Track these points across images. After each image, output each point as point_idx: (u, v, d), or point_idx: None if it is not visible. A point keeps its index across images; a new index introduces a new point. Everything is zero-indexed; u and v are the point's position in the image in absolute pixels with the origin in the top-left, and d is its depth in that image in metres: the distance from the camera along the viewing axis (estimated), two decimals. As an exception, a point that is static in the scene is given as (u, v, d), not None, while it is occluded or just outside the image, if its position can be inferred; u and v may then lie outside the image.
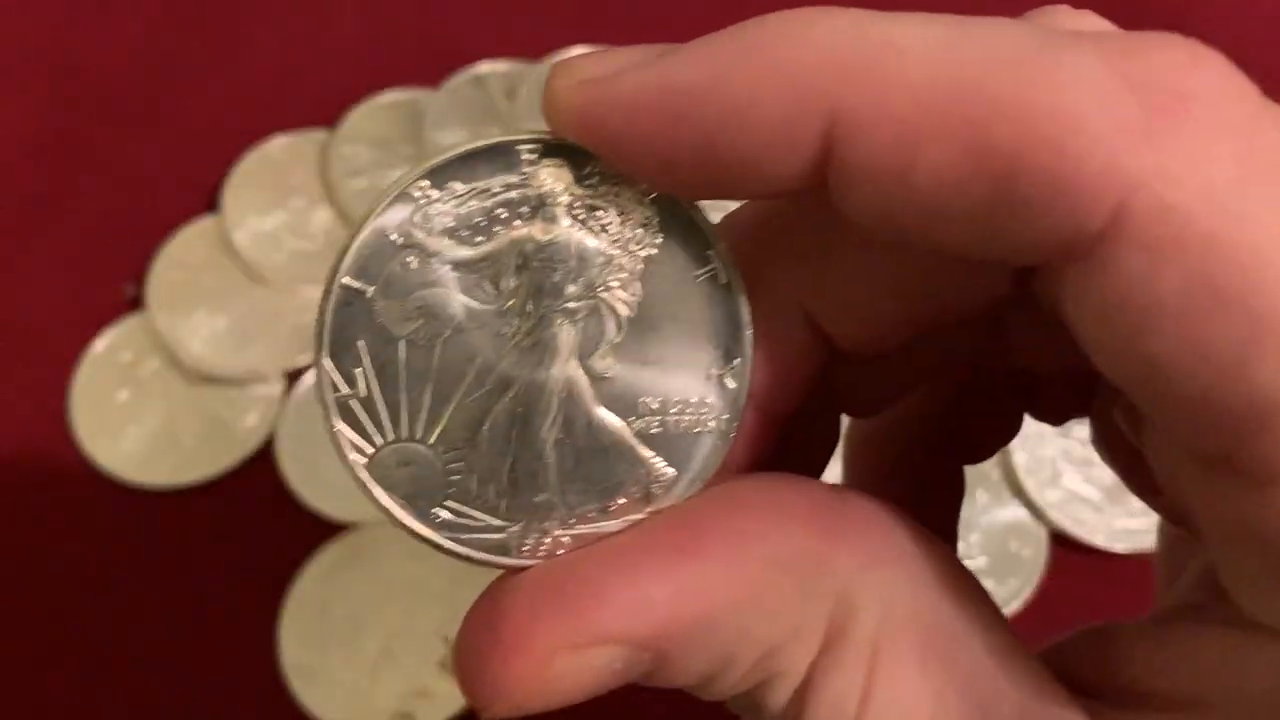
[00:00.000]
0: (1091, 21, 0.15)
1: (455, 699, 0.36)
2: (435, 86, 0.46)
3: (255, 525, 0.39)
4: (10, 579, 0.38)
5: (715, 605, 0.14)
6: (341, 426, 0.15)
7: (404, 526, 0.15)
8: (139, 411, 0.41)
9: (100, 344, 0.42)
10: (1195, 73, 0.13)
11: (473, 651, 0.14)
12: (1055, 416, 0.23)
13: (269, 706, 0.36)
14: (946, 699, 0.14)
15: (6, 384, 0.41)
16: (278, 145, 0.45)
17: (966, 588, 0.15)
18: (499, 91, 0.46)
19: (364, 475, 0.15)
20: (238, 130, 0.46)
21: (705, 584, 0.14)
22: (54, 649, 0.37)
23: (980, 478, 0.39)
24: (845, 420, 0.22)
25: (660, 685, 0.15)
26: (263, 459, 0.40)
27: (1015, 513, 0.39)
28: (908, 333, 0.17)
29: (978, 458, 0.24)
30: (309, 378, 0.41)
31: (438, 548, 0.15)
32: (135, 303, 0.43)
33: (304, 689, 0.36)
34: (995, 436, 0.24)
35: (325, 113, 0.46)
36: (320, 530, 0.38)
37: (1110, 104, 0.13)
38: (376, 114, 0.46)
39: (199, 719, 0.36)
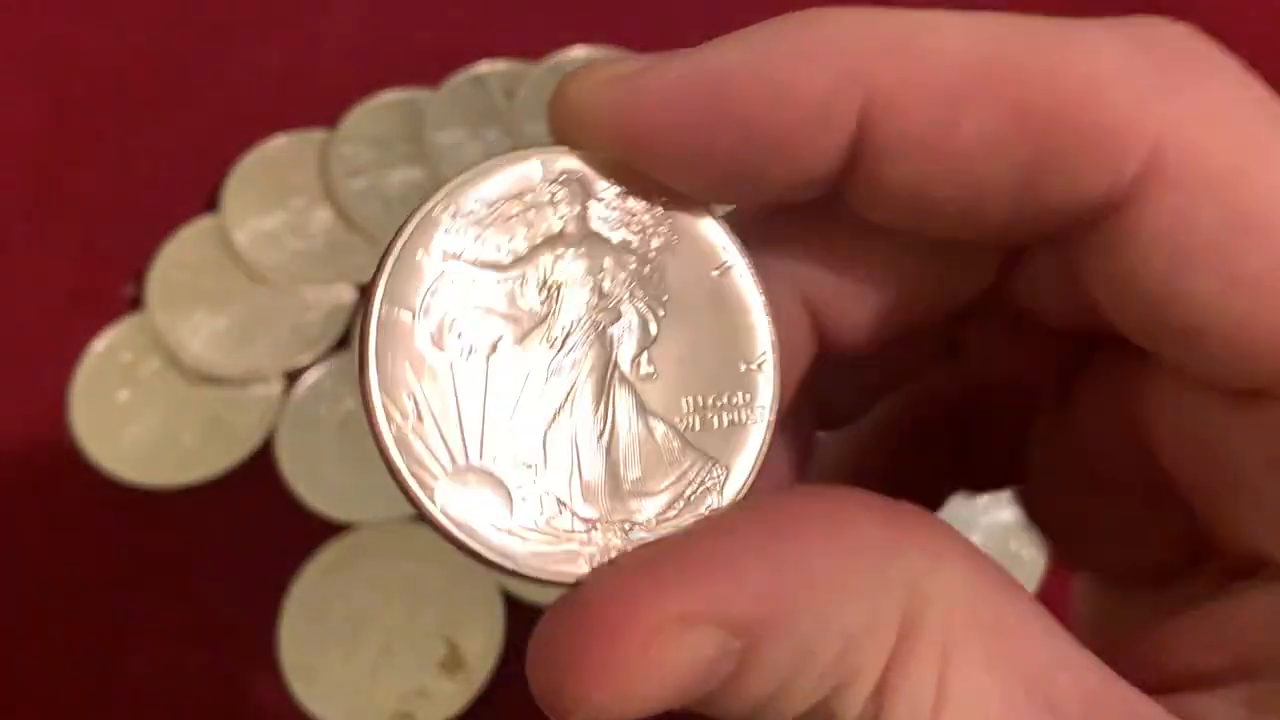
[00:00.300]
0: None
1: (455, 699, 0.36)
2: (435, 86, 0.46)
3: (255, 525, 0.39)
4: (10, 579, 0.38)
5: (810, 586, 0.14)
6: (401, 460, 0.14)
7: (480, 557, 0.15)
8: (139, 411, 0.41)
9: (100, 344, 0.42)
10: (1196, 39, 0.14)
11: (560, 643, 0.13)
12: (985, 484, 0.24)
13: (269, 706, 0.36)
14: (1014, 696, 0.14)
15: (6, 384, 0.41)
16: (278, 145, 0.45)
17: (1016, 586, 0.15)
18: (499, 91, 0.46)
19: (432, 509, 0.14)
20: (238, 130, 0.45)
21: (801, 563, 0.14)
22: (54, 649, 0.37)
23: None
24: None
25: (731, 704, 0.14)
26: (263, 459, 0.40)
27: (1015, 513, 0.39)
28: (897, 323, 0.17)
29: None
30: (309, 377, 0.41)
31: (515, 574, 0.15)
32: (135, 303, 0.43)
33: (304, 689, 0.36)
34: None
35: (325, 113, 0.46)
36: (320, 530, 0.38)
37: (1132, 64, 0.14)
38: (376, 114, 0.46)
39: (199, 719, 0.36)
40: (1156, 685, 0.15)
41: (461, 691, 0.36)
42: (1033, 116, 0.14)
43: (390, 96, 0.46)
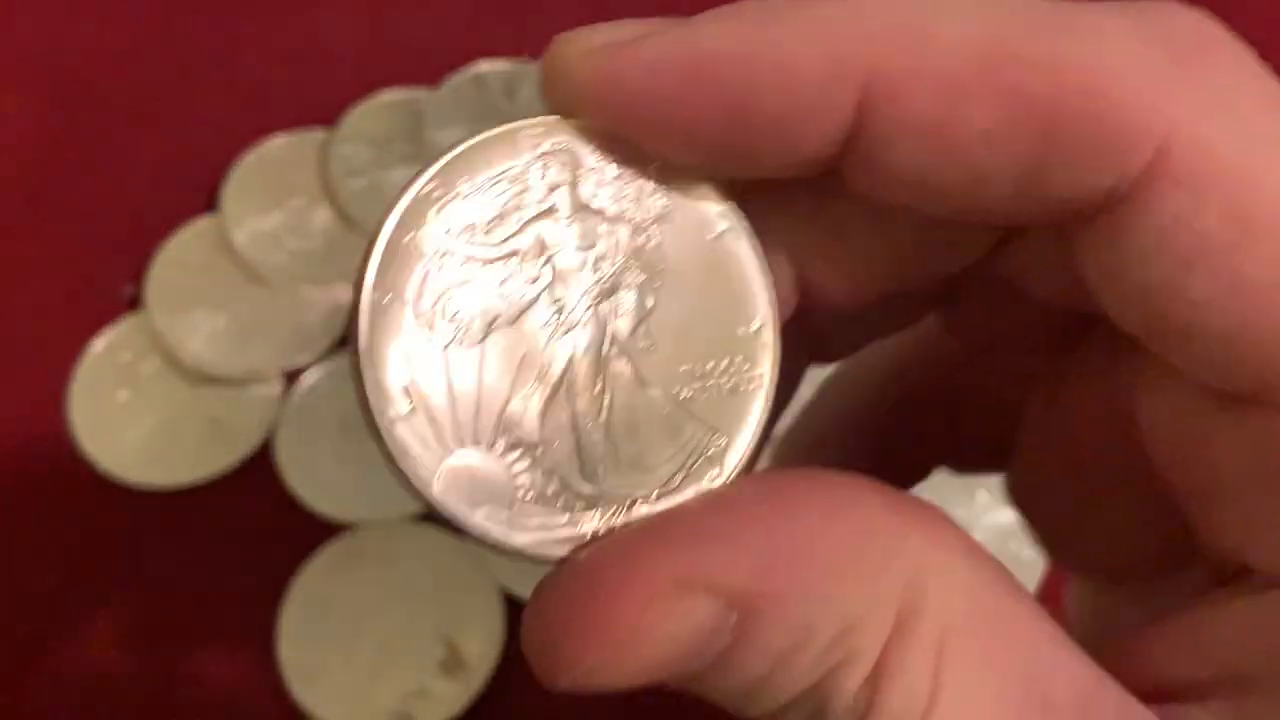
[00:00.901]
0: None
1: (455, 699, 0.36)
2: (435, 86, 0.46)
3: (255, 525, 0.39)
4: (9, 579, 0.38)
5: (810, 559, 0.13)
6: (399, 452, 0.14)
7: (487, 543, 0.14)
8: (139, 411, 0.41)
9: (100, 344, 0.41)
10: (1205, 27, 0.14)
11: (555, 603, 0.13)
12: (972, 462, 0.24)
13: (269, 706, 0.36)
14: (1009, 693, 0.14)
15: (6, 384, 0.41)
16: (278, 145, 0.45)
17: (1016, 585, 0.15)
18: (499, 91, 0.46)
19: (433, 500, 0.14)
20: (238, 130, 0.45)
21: (801, 535, 0.13)
22: (53, 649, 0.37)
23: (980, 478, 0.39)
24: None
25: (725, 681, 0.14)
26: (263, 459, 0.40)
27: (1015, 515, 0.39)
28: (884, 289, 0.17)
29: None
30: (309, 377, 0.41)
31: (523, 556, 0.15)
32: (135, 303, 0.43)
33: (304, 689, 0.36)
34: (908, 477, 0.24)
35: (325, 113, 0.46)
36: (320, 530, 0.38)
37: (1140, 54, 0.13)
38: (376, 114, 0.46)
39: (199, 718, 0.36)
40: (1144, 693, 0.15)
41: (461, 691, 0.36)
42: (1038, 109, 0.13)
43: (390, 96, 0.46)
